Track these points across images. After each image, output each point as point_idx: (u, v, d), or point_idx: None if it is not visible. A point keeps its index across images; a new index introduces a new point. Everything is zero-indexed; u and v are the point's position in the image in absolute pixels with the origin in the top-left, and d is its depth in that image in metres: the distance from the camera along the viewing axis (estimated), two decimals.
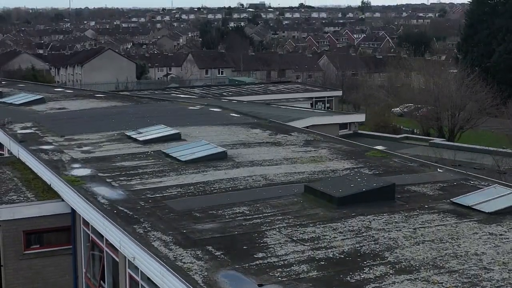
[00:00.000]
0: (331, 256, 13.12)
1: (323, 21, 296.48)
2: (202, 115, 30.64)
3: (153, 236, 14.31)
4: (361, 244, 13.74)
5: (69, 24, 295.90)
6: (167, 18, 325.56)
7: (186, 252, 13.35)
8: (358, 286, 11.75)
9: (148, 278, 13.68)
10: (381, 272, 12.28)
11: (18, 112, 31.62)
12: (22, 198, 19.36)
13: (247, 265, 12.72)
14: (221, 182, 18.67)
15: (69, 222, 19.02)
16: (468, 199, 16.53)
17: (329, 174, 19.73)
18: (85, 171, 19.95)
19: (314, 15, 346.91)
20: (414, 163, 21.46)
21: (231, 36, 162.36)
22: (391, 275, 12.14)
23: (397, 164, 21.21)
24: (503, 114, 68.57)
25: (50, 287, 19.07)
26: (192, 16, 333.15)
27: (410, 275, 12.16)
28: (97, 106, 33.98)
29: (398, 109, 77.13)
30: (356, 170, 19.98)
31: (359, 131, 43.62)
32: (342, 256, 13.10)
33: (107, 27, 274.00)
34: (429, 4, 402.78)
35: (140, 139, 24.20)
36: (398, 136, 44.08)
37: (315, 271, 12.39)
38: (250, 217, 15.58)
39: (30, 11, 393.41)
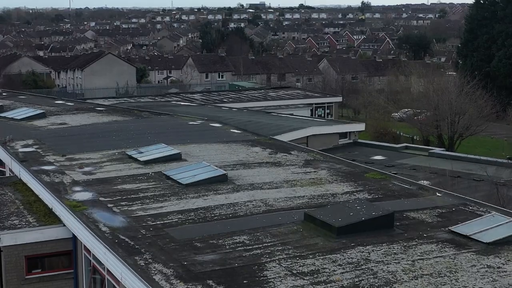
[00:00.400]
0: None
1: (323, 22, 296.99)
2: (202, 131, 30.79)
3: (154, 269, 14.47)
4: (360, 278, 13.89)
5: (69, 25, 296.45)
6: (167, 18, 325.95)
7: (187, 287, 13.52)
8: None
9: None
10: None
11: (19, 128, 31.81)
12: (23, 223, 19.49)
13: None
14: (221, 208, 18.84)
15: (71, 247, 19.18)
16: (466, 228, 16.69)
17: (329, 198, 19.89)
18: (86, 195, 20.11)
19: (314, 15, 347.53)
20: (413, 185, 21.61)
21: (231, 38, 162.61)
22: None
23: (396, 187, 21.35)
24: (502, 119, 68.81)
25: None
26: (192, 17, 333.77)
27: None
28: (98, 121, 34.14)
29: (397, 114, 77.22)
30: (355, 194, 20.17)
31: (359, 140, 43.73)
32: None
33: (107, 28, 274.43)
34: (429, 4, 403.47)
35: (141, 159, 24.37)
36: (397, 146, 44.18)
37: None
38: (250, 247, 15.74)
39: (30, 11, 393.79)
